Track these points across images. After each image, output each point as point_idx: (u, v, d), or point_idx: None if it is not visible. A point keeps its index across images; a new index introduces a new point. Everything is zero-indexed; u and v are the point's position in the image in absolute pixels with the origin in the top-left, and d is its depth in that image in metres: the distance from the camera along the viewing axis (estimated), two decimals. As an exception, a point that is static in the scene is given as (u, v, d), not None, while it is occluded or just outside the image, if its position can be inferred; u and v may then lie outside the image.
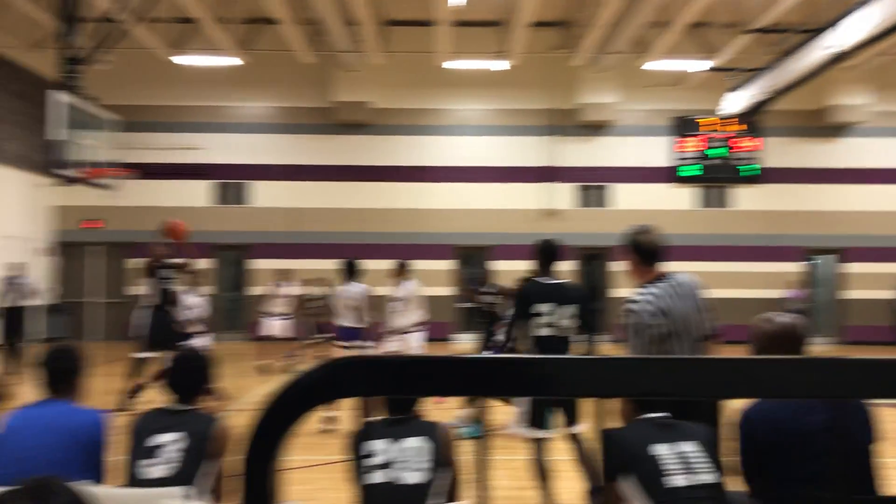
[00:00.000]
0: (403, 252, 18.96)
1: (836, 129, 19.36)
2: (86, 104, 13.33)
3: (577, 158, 19.29)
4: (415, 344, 9.81)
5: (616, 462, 3.05)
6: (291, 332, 13.49)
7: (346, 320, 8.44)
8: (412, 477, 3.19)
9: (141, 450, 3.38)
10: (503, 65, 18.02)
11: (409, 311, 9.87)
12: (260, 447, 0.92)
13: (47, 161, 12.34)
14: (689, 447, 3.06)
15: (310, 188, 19.19)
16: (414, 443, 3.25)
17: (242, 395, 10.31)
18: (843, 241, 19.31)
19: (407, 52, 18.59)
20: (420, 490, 3.13)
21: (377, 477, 3.20)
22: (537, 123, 19.31)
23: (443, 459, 3.26)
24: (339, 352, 8.28)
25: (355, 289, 8.52)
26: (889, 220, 19.20)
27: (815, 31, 13.76)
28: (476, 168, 19.28)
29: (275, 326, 13.41)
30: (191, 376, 3.63)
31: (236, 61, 17.63)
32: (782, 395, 0.98)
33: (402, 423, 3.33)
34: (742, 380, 0.92)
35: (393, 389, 0.98)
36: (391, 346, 9.67)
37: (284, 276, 14.36)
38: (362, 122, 19.14)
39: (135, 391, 8.80)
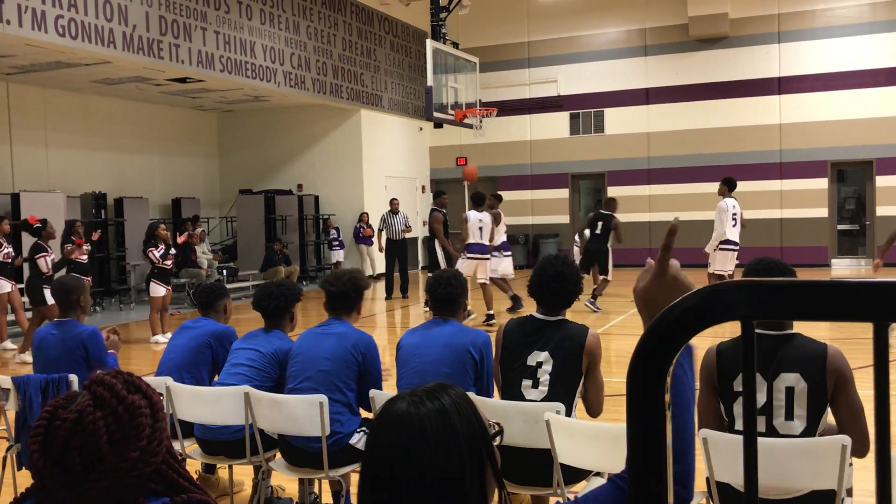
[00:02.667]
0: (770, 172, 17.75)
1: None
2: (450, 49, 14.31)
3: None
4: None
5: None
6: None
7: None
8: (790, 427, 2.85)
9: (518, 367, 3.61)
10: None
11: None
12: (644, 368, 0.96)
13: (425, 106, 13.53)
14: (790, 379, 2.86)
15: (666, 111, 18.64)
16: (791, 381, 2.86)
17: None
18: None
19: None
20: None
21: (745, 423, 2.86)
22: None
23: (828, 397, 2.85)
24: None
25: None
26: None
27: None
28: (853, 73, 17.13)
29: None
30: (557, 287, 3.62)
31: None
32: None
33: (776, 343, 2.90)
34: None
35: (778, 313, 0.96)
36: None
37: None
38: (720, 35, 18.01)
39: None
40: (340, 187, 17.88)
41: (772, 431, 2.86)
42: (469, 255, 10.66)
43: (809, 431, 2.85)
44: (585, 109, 19.34)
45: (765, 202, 17.81)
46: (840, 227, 17.64)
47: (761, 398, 2.88)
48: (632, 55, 18.88)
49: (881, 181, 17.08)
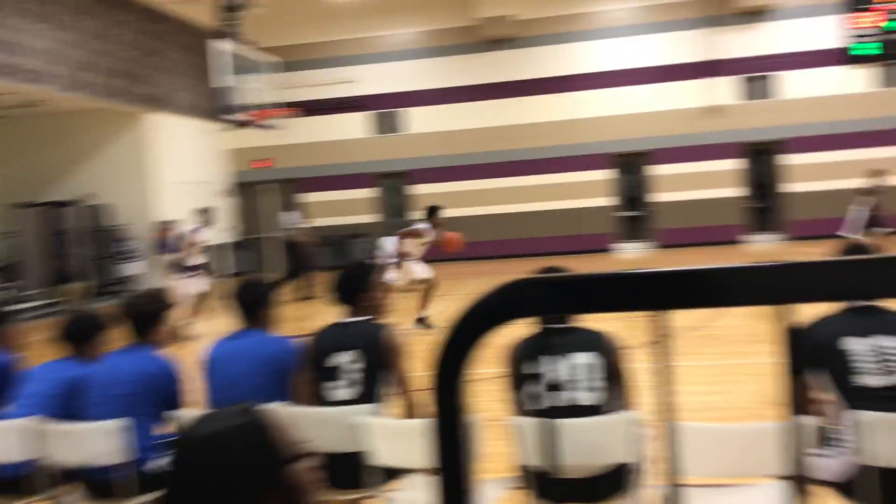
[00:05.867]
0: (560, 165, 18.81)
1: None
2: (246, 49, 13.93)
3: (738, 49, 18.08)
4: None
5: (803, 356, 2.99)
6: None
7: None
8: (586, 398, 3.05)
9: (323, 370, 3.57)
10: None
11: None
12: (446, 365, 0.99)
13: (216, 107, 13.05)
14: (889, 342, 2.92)
15: (463, 109, 19.22)
16: (584, 359, 3.08)
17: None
18: None
19: (548, -42, 18.00)
20: (594, 411, 3.01)
21: (549, 400, 3.05)
22: (692, 16, 18.22)
23: (614, 372, 3.12)
24: None
25: None
26: None
27: None
28: (629, 70, 18.54)
29: None
30: (356, 285, 3.69)
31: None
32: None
33: (567, 333, 3.14)
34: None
35: (570, 308, 1.01)
36: None
37: None
38: (508, 37, 18.82)
39: None
40: (132, 195, 16.86)
41: (568, 405, 3.04)
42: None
43: (602, 403, 3.07)
44: (388, 109, 19.54)
45: (557, 193, 18.85)
46: (623, 213, 19.01)
47: (557, 375, 3.08)
48: (429, 55, 19.30)
49: (658, 170, 18.60)
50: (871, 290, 0.92)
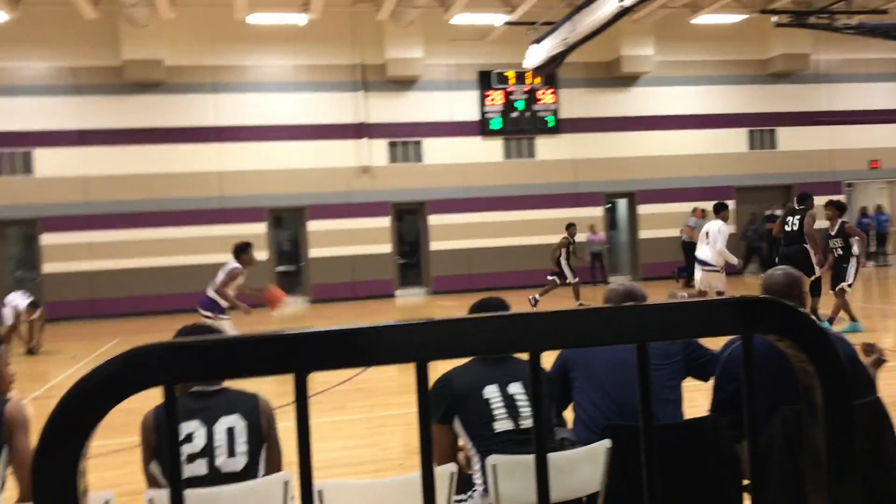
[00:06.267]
0: (212, 217, 18.27)
1: (627, 80, 20.54)
2: None
3: (388, 114, 19.24)
4: None
5: (446, 404, 3.16)
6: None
7: None
8: (234, 463, 2.97)
9: None
10: (306, 18, 17.59)
11: None
12: (56, 447, 0.85)
13: None
14: (517, 388, 3.19)
15: (102, 154, 17.83)
16: (231, 422, 3.00)
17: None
18: (635, 186, 20.66)
19: (202, 6, 17.66)
20: (243, 475, 2.94)
21: (195, 468, 2.91)
22: (346, 79, 19.04)
23: (263, 435, 3.07)
24: None
25: None
26: (675, 163, 20.74)
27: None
28: (284, 126, 18.73)
29: None
30: None
31: (2, 16, 15.93)
32: (588, 344, 1.02)
33: (213, 396, 3.04)
34: (556, 332, 0.95)
35: (201, 375, 0.93)
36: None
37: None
38: (157, 81, 17.99)
39: None
40: None
41: (215, 472, 2.93)
42: None
43: (251, 467, 3.00)
44: (11, 148, 17.47)
45: (206, 247, 18.18)
46: (279, 268, 19.00)
47: (202, 441, 2.96)
48: (63, 93, 17.68)
49: (312, 225, 18.93)
50: (502, 345, 0.97)
